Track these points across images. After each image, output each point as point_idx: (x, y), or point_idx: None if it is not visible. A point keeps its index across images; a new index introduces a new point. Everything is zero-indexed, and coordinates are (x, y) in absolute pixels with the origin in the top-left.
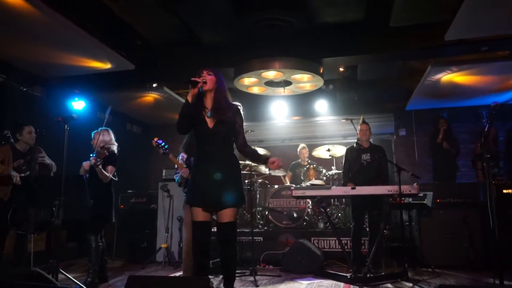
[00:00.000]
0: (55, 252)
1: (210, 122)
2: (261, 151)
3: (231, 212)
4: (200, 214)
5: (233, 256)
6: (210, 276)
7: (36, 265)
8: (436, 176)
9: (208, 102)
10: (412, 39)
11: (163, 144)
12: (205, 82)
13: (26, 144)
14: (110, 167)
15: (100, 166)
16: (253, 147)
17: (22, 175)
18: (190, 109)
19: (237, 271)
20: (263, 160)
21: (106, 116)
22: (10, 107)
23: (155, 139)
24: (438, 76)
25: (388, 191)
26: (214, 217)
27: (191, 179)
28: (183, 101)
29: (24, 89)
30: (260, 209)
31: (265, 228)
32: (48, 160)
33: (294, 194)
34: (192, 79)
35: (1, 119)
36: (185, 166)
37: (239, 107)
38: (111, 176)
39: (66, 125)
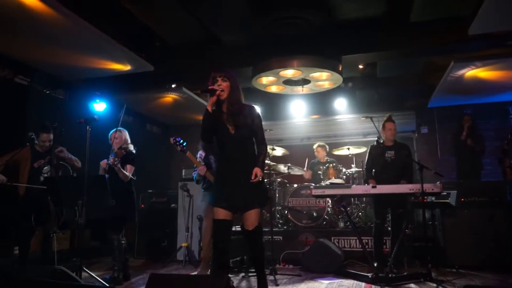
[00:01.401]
0: (79, 250)
1: (231, 128)
2: (279, 150)
3: (255, 215)
4: (221, 213)
5: (262, 253)
6: (230, 275)
7: (60, 263)
8: (460, 174)
9: (226, 107)
10: (434, 35)
11: (181, 141)
12: (222, 91)
13: (41, 148)
14: (129, 166)
15: (119, 166)
16: (262, 151)
17: (45, 175)
18: (212, 119)
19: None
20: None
21: (121, 115)
22: (35, 109)
23: (173, 137)
24: (461, 72)
25: (410, 189)
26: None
27: (215, 182)
28: (202, 101)
29: (48, 92)
30: (280, 208)
31: (285, 227)
32: (69, 154)
33: (313, 193)
34: (210, 87)
35: (26, 121)
36: (202, 164)
37: (255, 107)
38: (130, 175)
39: (88, 126)
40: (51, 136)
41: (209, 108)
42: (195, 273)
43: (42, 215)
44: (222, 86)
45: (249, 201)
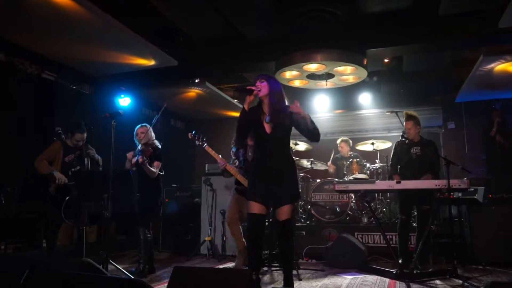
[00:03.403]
0: (105, 243)
1: (268, 127)
2: (302, 145)
3: (288, 209)
4: (256, 207)
5: (291, 249)
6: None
7: (87, 256)
8: (490, 170)
9: (266, 107)
10: (463, 28)
11: (200, 136)
12: (259, 90)
13: (72, 144)
14: (156, 163)
15: (147, 164)
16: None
17: (73, 169)
18: (247, 117)
19: (280, 265)
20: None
21: (158, 115)
22: (61, 104)
23: (191, 132)
24: (491, 65)
25: (436, 185)
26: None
27: (250, 177)
28: (225, 96)
29: (74, 87)
30: (302, 203)
31: (308, 222)
32: (96, 155)
33: (337, 188)
34: (248, 87)
35: (53, 116)
36: (233, 157)
37: None
38: (157, 171)
39: (113, 121)
40: (85, 135)
41: (246, 107)
42: (221, 267)
43: (71, 209)
44: (259, 86)
45: (282, 197)
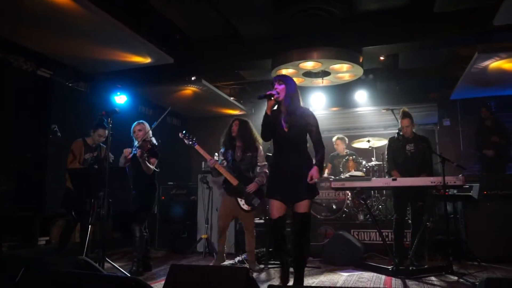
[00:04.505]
0: (101, 241)
1: (285, 127)
2: None
3: (306, 204)
4: (276, 206)
5: (306, 242)
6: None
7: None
8: (484, 167)
9: (282, 108)
10: (458, 25)
11: (189, 135)
12: (278, 94)
13: (93, 141)
14: (152, 159)
15: (145, 158)
16: (320, 151)
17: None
18: (271, 122)
19: (275, 262)
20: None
21: (153, 126)
22: (57, 102)
23: (181, 132)
24: (485, 63)
25: (431, 182)
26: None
27: (270, 175)
28: (221, 94)
29: (70, 85)
30: None
31: None
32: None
33: (333, 186)
34: (268, 93)
35: (48, 113)
36: (222, 158)
37: (310, 110)
38: (153, 168)
39: (109, 119)
40: (107, 132)
41: (268, 112)
42: (230, 262)
43: (81, 207)
44: (278, 89)
45: (300, 193)
